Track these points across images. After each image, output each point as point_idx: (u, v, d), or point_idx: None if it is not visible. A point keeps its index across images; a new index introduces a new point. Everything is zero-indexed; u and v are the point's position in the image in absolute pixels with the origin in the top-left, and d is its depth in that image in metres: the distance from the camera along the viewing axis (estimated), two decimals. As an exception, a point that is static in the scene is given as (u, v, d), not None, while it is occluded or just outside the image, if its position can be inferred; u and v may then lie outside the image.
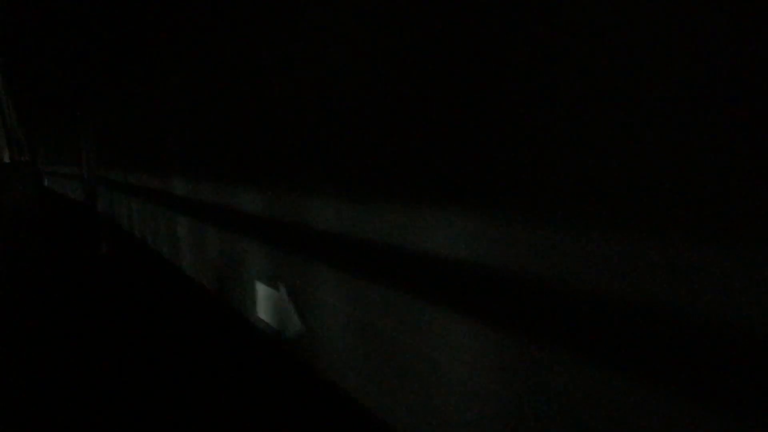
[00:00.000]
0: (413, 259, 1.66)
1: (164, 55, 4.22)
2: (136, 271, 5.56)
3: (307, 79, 2.17)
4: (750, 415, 0.89)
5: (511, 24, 1.26)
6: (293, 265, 2.48)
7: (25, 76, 12.89)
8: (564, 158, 1.17)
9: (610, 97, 1.07)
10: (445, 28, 1.45)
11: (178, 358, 3.06)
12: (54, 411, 2.44)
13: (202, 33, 3.30)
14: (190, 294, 4.33)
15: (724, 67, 0.90)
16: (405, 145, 1.66)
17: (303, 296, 2.44)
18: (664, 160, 0.99)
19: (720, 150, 0.91)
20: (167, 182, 4.72)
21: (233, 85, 2.95)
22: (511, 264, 1.32)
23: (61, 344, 3.43)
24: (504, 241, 1.34)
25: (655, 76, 0.99)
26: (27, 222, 9.35)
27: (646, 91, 1.01)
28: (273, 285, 2.76)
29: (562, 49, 1.15)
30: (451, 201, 1.49)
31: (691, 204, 0.95)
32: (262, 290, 2.93)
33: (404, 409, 1.79)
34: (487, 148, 1.36)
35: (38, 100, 14.53)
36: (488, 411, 1.43)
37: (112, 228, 8.48)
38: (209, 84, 3.31)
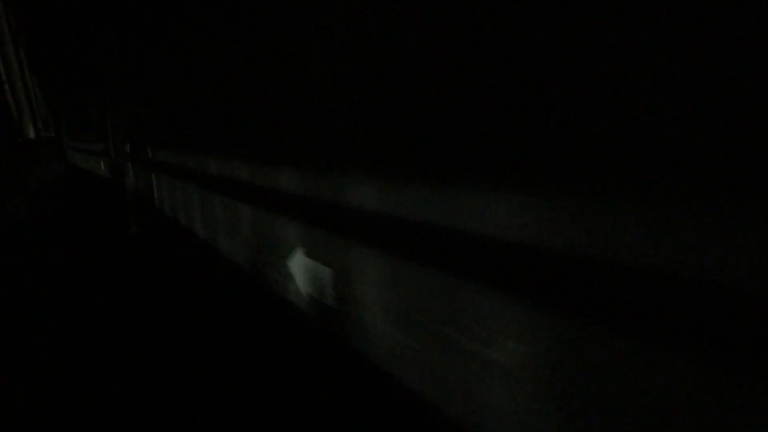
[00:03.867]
0: (461, 240, 1.49)
1: (199, 34, 3.85)
2: (168, 253, 5.31)
3: (342, 49, 1.79)
4: None
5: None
6: (332, 247, 2.22)
7: (50, 52, 12.71)
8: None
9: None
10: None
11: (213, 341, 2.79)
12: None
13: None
14: (226, 276, 4.05)
15: None
16: (452, 121, 1.32)
17: (343, 278, 2.17)
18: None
19: None
20: (201, 160, 4.42)
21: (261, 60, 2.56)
22: (574, 246, 1.03)
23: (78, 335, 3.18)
24: (564, 221, 1.12)
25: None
26: (53, 200, 9.22)
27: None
28: (310, 267, 2.47)
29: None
30: (502, 177, 1.31)
31: None
32: (299, 272, 2.65)
33: (453, 398, 1.65)
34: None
35: (63, 76, 14.40)
36: (537, 404, 1.20)
37: (141, 207, 8.25)
38: (231, 63, 2.93)
